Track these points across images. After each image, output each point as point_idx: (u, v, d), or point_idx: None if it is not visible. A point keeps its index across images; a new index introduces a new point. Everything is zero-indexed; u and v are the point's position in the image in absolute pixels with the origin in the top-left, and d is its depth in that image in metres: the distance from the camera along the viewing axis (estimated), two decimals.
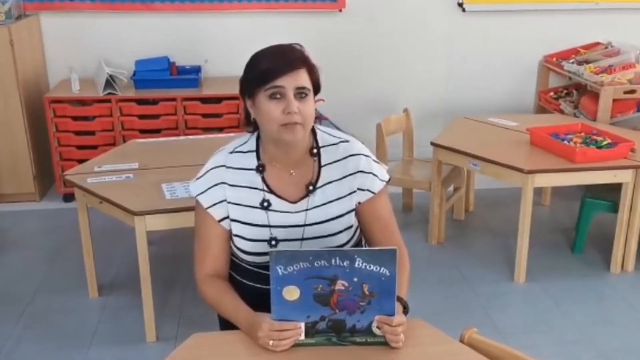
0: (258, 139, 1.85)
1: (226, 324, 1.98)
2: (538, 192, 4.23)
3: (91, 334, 3.01)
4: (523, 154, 3.46)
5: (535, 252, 3.54)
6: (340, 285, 1.57)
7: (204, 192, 1.82)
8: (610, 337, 3.01)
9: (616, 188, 3.40)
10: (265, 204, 1.80)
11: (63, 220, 4.05)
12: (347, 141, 1.87)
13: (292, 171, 1.82)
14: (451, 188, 4.06)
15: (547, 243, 3.83)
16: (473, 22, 4.76)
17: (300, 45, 1.79)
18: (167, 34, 4.55)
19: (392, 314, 1.60)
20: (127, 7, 4.44)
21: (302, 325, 1.60)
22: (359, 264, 1.55)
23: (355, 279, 1.56)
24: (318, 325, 1.60)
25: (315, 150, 1.83)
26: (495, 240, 3.90)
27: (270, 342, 1.60)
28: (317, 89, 1.78)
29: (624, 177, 3.33)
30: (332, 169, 1.82)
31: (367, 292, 1.57)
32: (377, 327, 1.60)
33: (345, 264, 1.55)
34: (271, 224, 1.80)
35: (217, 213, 1.82)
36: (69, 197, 4.22)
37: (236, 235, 1.82)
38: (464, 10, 4.70)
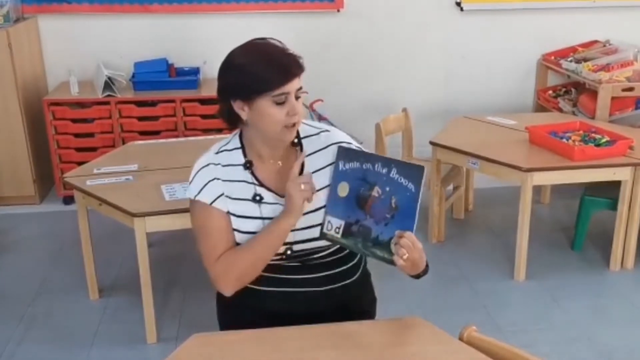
0: (240, 137, 1.87)
1: (226, 325, 1.99)
2: (537, 190, 4.23)
3: (92, 336, 3.01)
4: (522, 152, 3.46)
5: (535, 250, 3.55)
6: (376, 191, 1.67)
7: (202, 190, 1.82)
8: (610, 334, 3.01)
9: (615, 185, 3.40)
10: (257, 197, 1.82)
11: (63, 222, 4.05)
12: (327, 131, 1.91)
13: (279, 162, 1.86)
14: (450, 187, 4.07)
15: (547, 241, 3.83)
16: (471, 21, 4.76)
17: (279, 41, 1.80)
18: (165, 36, 4.55)
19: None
20: (125, 9, 4.44)
21: (342, 224, 1.71)
22: (393, 174, 1.65)
23: (388, 189, 1.66)
24: (352, 227, 1.70)
25: (296, 140, 1.86)
26: (495, 238, 3.90)
27: (302, 186, 1.72)
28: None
29: (622, 174, 3.33)
30: (315, 158, 1.85)
31: (393, 205, 1.65)
32: (395, 243, 1.64)
33: (384, 171, 1.66)
34: (264, 216, 1.81)
35: (221, 205, 1.82)
36: (68, 200, 4.22)
37: (233, 230, 1.83)
38: (462, 9, 4.70)
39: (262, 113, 1.74)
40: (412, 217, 1.64)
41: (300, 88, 1.77)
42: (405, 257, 1.62)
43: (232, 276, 1.79)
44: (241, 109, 1.78)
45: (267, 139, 1.81)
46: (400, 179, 1.64)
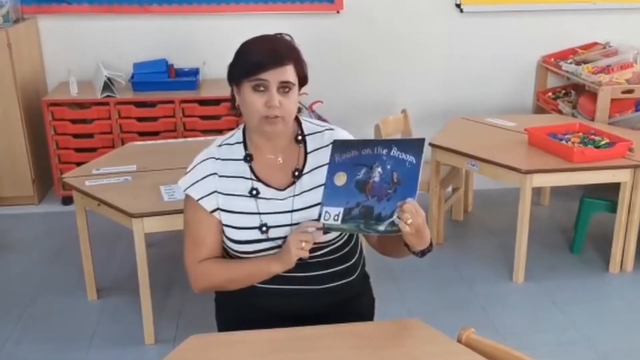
0: (244, 130, 1.90)
1: (224, 325, 1.99)
2: (537, 192, 4.23)
3: (90, 336, 3.01)
4: (521, 154, 3.46)
5: (534, 252, 3.54)
6: (376, 172, 1.68)
7: (194, 184, 1.85)
8: (609, 336, 3.01)
9: (614, 188, 3.40)
10: (254, 192, 1.83)
11: (62, 223, 4.05)
12: (331, 129, 1.93)
13: (279, 159, 1.86)
14: (450, 189, 4.07)
15: (546, 243, 3.83)
16: (471, 23, 4.76)
17: (290, 37, 1.83)
18: (165, 37, 4.55)
19: None
20: (125, 10, 4.44)
21: (341, 210, 1.69)
22: (393, 152, 1.66)
23: (389, 167, 1.66)
24: (353, 211, 1.68)
25: (300, 138, 1.88)
26: (494, 240, 3.90)
27: (303, 244, 1.70)
28: (303, 82, 1.82)
29: (622, 176, 3.33)
30: (318, 154, 1.87)
31: (395, 180, 1.66)
32: (398, 217, 1.63)
33: (384, 152, 1.67)
34: (260, 211, 1.82)
35: (208, 204, 1.84)
36: (67, 200, 4.22)
37: (226, 225, 1.84)
38: (461, 11, 4.70)
39: (244, 99, 1.77)
40: (413, 186, 1.64)
41: (289, 82, 1.75)
42: (409, 221, 1.61)
43: (206, 285, 1.88)
44: (236, 94, 1.82)
45: (255, 130, 1.82)
46: (401, 155, 1.65)
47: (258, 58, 1.73)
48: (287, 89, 1.76)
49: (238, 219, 1.83)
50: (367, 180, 1.67)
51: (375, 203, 1.66)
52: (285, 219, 1.82)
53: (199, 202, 1.83)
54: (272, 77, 1.73)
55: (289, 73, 1.75)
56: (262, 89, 1.74)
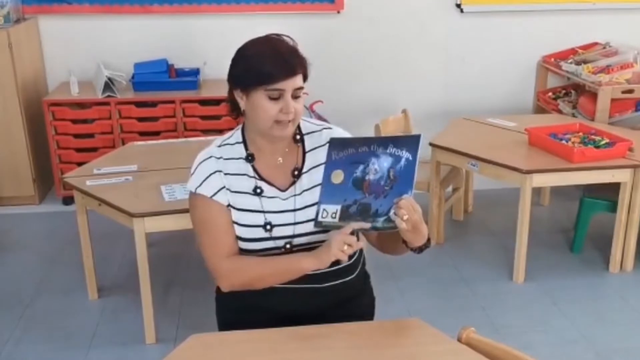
0: (243, 130, 1.90)
1: (225, 324, 1.99)
2: (537, 192, 4.24)
3: (90, 336, 3.01)
4: (521, 154, 3.46)
5: (534, 252, 3.55)
6: (373, 170, 1.68)
7: (203, 182, 1.84)
8: (609, 336, 3.01)
9: (614, 188, 3.40)
10: (258, 190, 1.84)
11: (62, 222, 4.05)
12: (329, 128, 1.95)
13: (279, 159, 1.88)
14: (450, 189, 4.07)
15: (546, 243, 3.83)
16: (471, 23, 4.76)
17: (291, 38, 1.84)
18: (165, 37, 4.55)
19: None
20: (126, 10, 4.45)
21: (339, 208, 1.69)
22: (390, 149, 1.67)
23: (385, 164, 1.67)
24: (350, 208, 1.68)
25: (298, 137, 1.89)
26: (494, 240, 3.90)
27: (346, 247, 1.67)
28: (305, 79, 1.83)
29: (622, 176, 3.33)
30: (317, 153, 1.88)
31: (392, 177, 1.67)
32: (395, 213, 1.64)
33: (380, 149, 1.68)
34: (265, 209, 1.83)
35: (222, 198, 1.83)
36: (68, 200, 4.22)
37: (234, 222, 1.84)
38: (462, 11, 4.70)
39: (256, 105, 1.78)
40: (410, 183, 1.65)
41: (301, 88, 1.78)
42: (405, 217, 1.62)
43: (239, 280, 1.83)
44: (240, 98, 1.82)
45: (262, 132, 1.83)
46: (398, 152, 1.66)
47: (273, 69, 1.74)
48: (298, 94, 1.79)
49: (245, 216, 1.84)
50: (364, 178, 1.68)
51: (372, 200, 1.67)
52: (289, 218, 1.84)
53: (213, 198, 1.83)
54: (288, 85, 1.75)
55: (299, 79, 1.78)
56: (277, 96, 1.76)
